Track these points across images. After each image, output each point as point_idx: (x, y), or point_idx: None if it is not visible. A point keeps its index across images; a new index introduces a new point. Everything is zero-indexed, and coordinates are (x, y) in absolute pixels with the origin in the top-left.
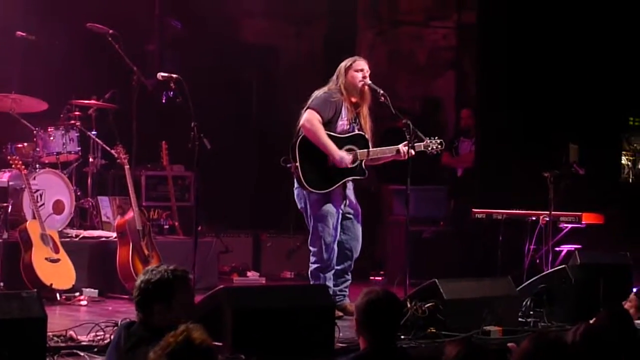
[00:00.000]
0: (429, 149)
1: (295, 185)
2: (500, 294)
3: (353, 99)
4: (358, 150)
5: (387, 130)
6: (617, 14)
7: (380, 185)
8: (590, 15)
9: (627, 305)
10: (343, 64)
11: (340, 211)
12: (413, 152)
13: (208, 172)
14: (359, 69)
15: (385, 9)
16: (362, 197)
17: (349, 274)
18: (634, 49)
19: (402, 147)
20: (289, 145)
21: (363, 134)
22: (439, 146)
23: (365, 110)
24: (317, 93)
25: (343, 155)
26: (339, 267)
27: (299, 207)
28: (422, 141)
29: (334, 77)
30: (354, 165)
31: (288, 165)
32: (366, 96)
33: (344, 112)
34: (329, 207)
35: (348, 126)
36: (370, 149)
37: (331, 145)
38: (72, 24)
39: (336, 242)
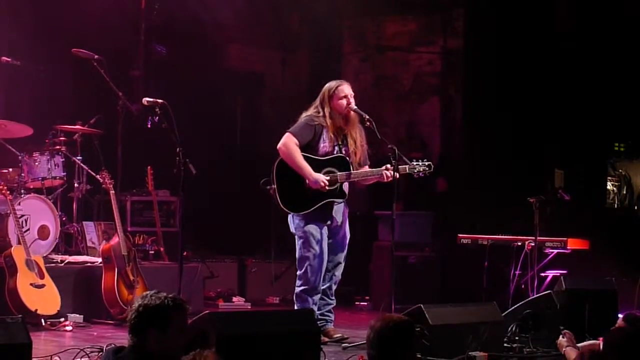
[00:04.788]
0: (415, 171)
1: None
2: (485, 319)
3: (340, 125)
4: (338, 173)
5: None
6: (600, 42)
7: (367, 210)
8: (575, 42)
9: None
10: (327, 89)
11: (325, 233)
12: (397, 175)
13: (193, 197)
14: (343, 95)
15: (371, 35)
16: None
17: (331, 297)
18: (618, 75)
19: (384, 171)
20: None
21: (343, 156)
22: (427, 169)
23: (355, 133)
24: (300, 117)
25: (317, 177)
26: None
27: (290, 230)
28: (408, 164)
29: (317, 101)
30: (333, 188)
31: (267, 187)
32: (353, 120)
33: (325, 134)
34: (311, 229)
35: (330, 149)
36: (352, 172)
37: (305, 167)
38: (58, 49)
39: (323, 265)
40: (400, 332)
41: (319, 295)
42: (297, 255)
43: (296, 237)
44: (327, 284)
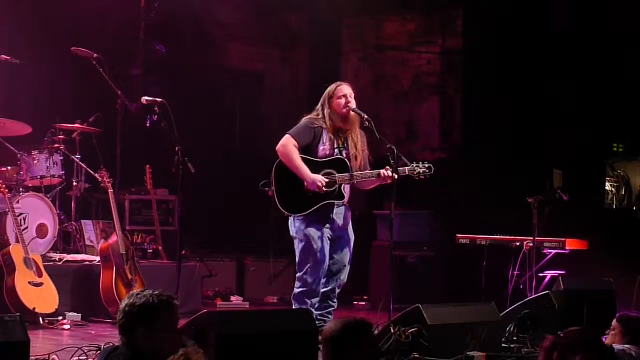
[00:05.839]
0: (415, 173)
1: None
2: (484, 319)
3: (339, 126)
4: (337, 175)
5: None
6: (600, 42)
7: (366, 209)
8: (573, 42)
9: (611, 333)
10: (327, 92)
11: (326, 236)
12: (396, 176)
13: (192, 196)
14: (341, 95)
15: (371, 34)
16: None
17: (334, 300)
18: (617, 75)
19: (383, 172)
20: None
21: (343, 158)
22: (427, 171)
23: (356, 135)
24: (301, 120)
25: (315, 178)
26: (322, 291)
27: (291, 233)
28: (408, 166)
29: (319, 104)
30: (331, 190)
31: (266, 189)
32: (353, 120)
33: (325, 137)
34: (312, 232)
35: (331, 151)
36: (350, 173)
37: (303, 169)
38: (57, 47)
39: (323, 268)
40: (338, 337)
41: (317, 299)
42: (297, 259)
43: (296, 240)
44: (331, 287)
